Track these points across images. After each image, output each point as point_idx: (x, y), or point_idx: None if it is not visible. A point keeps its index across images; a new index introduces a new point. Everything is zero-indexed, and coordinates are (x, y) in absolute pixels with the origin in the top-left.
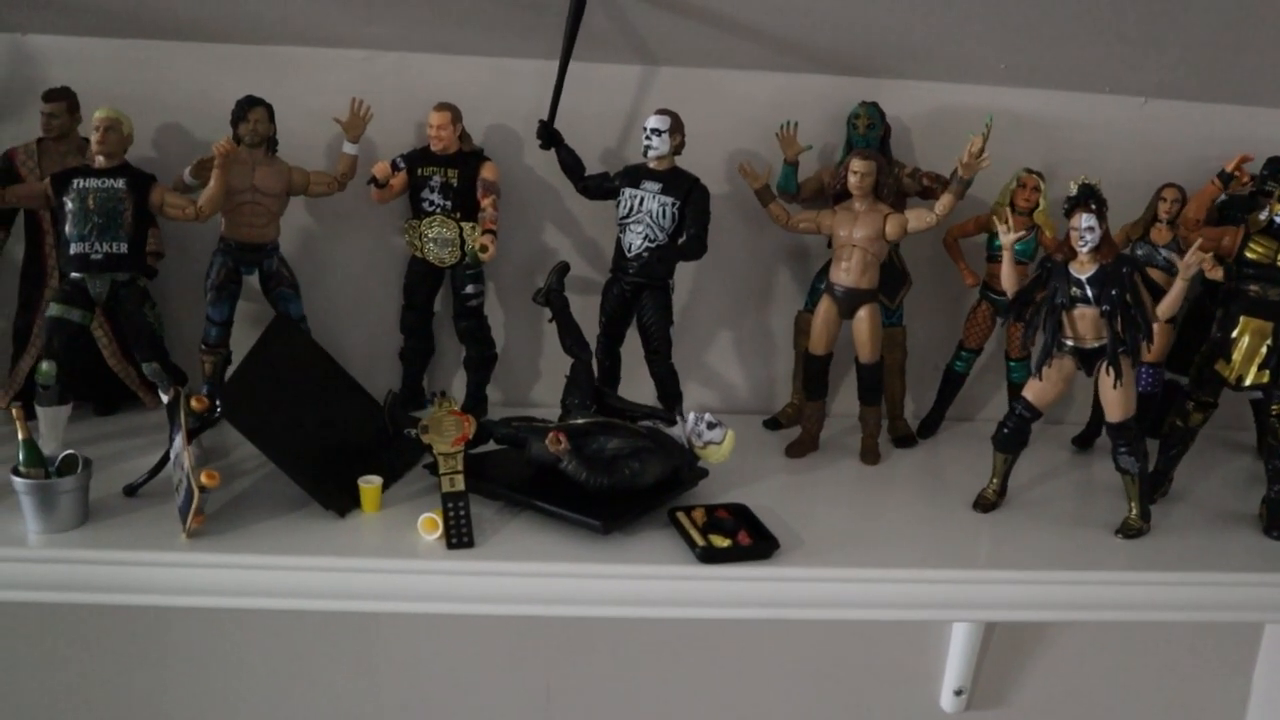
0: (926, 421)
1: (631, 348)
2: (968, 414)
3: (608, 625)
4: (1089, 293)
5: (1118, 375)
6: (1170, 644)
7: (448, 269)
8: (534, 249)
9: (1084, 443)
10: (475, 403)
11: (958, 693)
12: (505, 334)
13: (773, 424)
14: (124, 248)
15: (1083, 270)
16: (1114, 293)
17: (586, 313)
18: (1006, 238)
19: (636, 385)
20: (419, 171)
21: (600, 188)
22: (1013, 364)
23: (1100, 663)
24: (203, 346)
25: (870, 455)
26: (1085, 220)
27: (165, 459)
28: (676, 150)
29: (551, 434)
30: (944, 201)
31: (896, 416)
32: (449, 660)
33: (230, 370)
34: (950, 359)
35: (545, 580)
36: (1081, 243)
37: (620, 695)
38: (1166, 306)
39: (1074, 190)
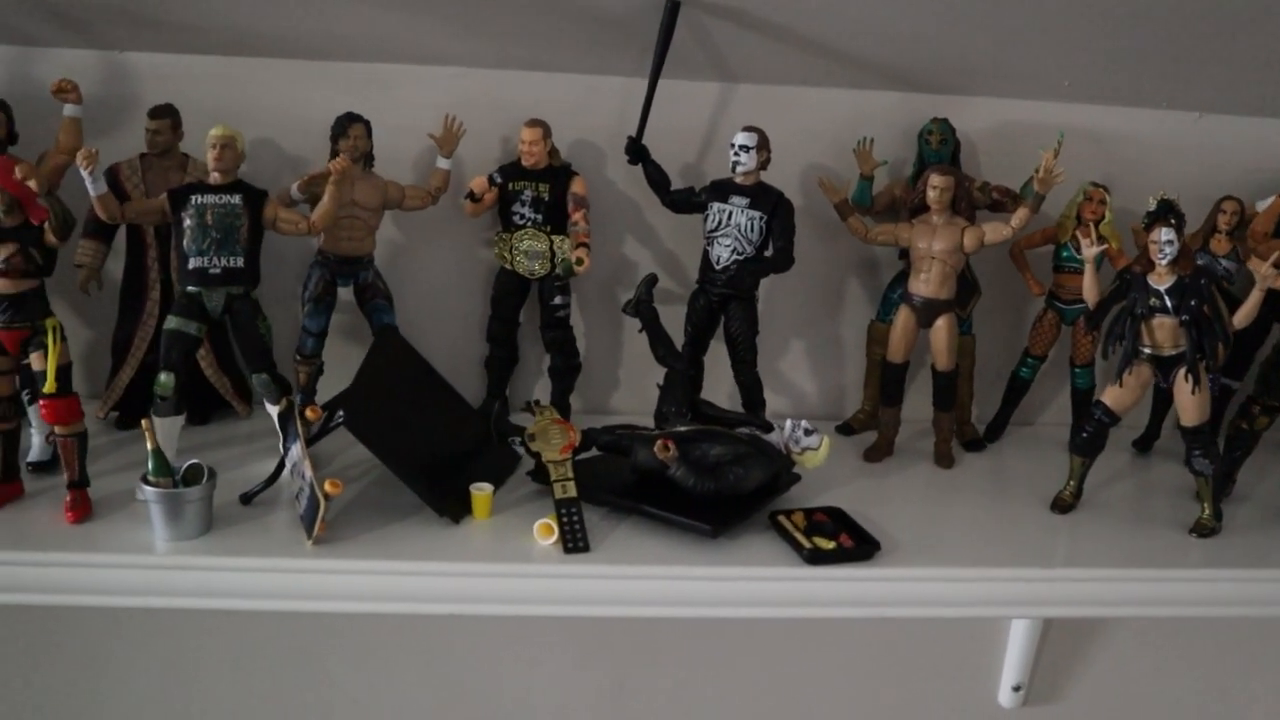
0: (992, 426)
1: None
2: (1028, 419)
3: (674, 624)
4: (1168, 303)
5: (1196, 382)
6: (1224, 638)
7: (536, 280)
8: (615, 261)
9: (1144, 445)
10: (559, 410)
11: (1016, 688)
12: (586, 343)
13: (845, 429)
14: (240, 262)
15: (1161, 282)
16: (1193, 303)
17: (668, 323)
18: (1089, 251)
19: (711, 393)
20: (510, 186)
21: (687, 202)
22: (1077, 370)
23: (1155, 658)
24: (298, 357)
25: (945, 459)
26: (1165, 234)
27: (280, 468)
28: (763, 166)
29: (660, 441)
30: (1020, 215)
31: (965, 421)
32: (521, 658)
33: (321, 380)
34: (1016, 366)
35: (661, 583)
36: (1161, 255)
37: (683, 692)
38: (1243, 316)
39: (1153, 205)
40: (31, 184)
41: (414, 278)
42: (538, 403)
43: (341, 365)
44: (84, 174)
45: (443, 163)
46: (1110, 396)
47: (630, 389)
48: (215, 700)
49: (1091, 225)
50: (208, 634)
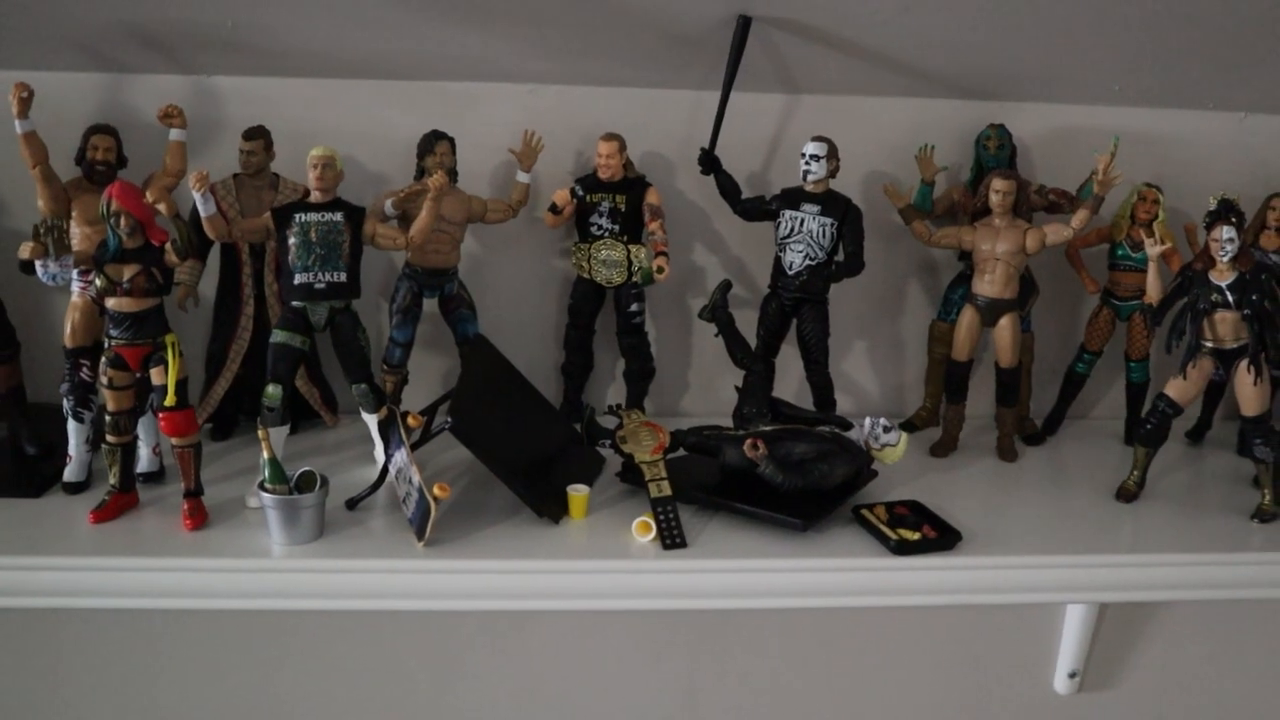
0: (1050, 420)
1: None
2: (1082, 412)
3: (742, 618)
4: (1230, 298)
5: (1259, 373)
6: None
7: (612, 289)
8: (685, 268)
9: (1196, 436)
10: None
11: (1072, 675)
12: (656, 348)
13: (908, 427)
14: (343, 276)
15: (1222, 277)
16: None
17: (739, 327)
18: (1154, 249)
19: (777, 393)
20: (588, 198)
21: (758, 210)
22: (1133, 365)
23: (1209, 645)
24: (385, 367)
25: (1008, 453)
26: (1226, 232)
27: (383, 474)
28: (832, 174)
29: (749, 441)
30: (1079, 216)
31: (1024, 416)
32: (595, 656)
33: (406, 388)
34: (1072, 361)
35: (759, 575)
36: (1222, 253)
37: (752, 686)
38: None
39: (1214, 204)
40: (162, 208)
41: (493, 288)
42: (621, 406)
43: (422, 375)
44: (196, 196)
45: (523, 177)
46: (1174, 389)
47: (700, 392)
48: (295, 699)
49: (1153, 225)
50: (271, 637)
